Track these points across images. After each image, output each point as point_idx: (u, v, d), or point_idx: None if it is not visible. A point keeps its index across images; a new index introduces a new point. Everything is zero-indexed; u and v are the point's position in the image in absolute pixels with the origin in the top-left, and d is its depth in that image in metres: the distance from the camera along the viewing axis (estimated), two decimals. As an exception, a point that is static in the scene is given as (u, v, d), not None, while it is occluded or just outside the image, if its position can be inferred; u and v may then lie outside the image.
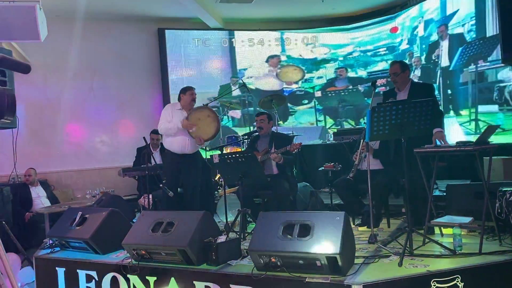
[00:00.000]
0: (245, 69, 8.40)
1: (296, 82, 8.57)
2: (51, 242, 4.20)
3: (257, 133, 5.04)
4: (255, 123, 5.02)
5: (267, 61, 8.48)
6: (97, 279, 3.56)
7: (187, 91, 4.81)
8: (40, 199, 6.20)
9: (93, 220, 3.88)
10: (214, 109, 4.96)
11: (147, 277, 3.32)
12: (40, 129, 7.29)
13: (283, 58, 8.54)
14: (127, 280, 3.40)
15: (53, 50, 7.18)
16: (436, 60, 6.97)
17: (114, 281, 3.47)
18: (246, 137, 5.04)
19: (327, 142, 7.39)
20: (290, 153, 4.63)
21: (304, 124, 8.50)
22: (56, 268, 3.78)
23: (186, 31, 8.08)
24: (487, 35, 5.94)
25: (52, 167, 7.23)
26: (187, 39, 8.10)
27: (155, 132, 5.98)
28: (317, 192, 5.39)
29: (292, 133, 6.53)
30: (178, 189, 4.83)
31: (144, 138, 4.72)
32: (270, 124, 4.89)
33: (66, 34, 7.30)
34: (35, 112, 7.24)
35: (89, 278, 3.60)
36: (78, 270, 3.66)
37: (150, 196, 4.91)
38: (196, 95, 4.85)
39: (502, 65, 5.68)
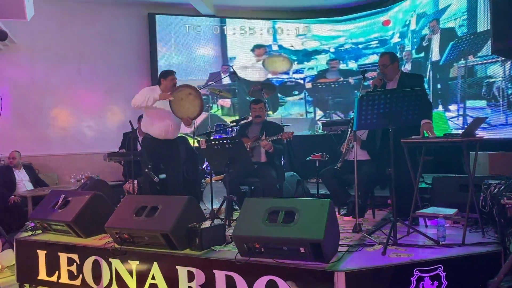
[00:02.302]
0: (235, 58, 8.33)
1: (285, 73, 8.50)
2: (33, 224, 4.14)
3: (245, 121, 5.01)
4: (250, 112, 4.94)
5: (252, 50, 8.40)
6: (78, 263, 3.51)
7: (168, 76, 4.58)
8: (23, 182, 6.13)
9: (76, 203, 3.82)
10: (203, 97, 4.83)
11: (129, 261, 3.29)
12: (25, 112, 7.17)
13: (274, 47, 8.46)
14: (109, 264, 3.36)
15: (41, 31, 7.05)
16: (427, 54, 6.97)
17: (96, 265, 3.43)
18: (235, 123, 4.99)
19: (316, 133, 7.38)
20: (280, 142, 4.62)
21: (294, 115, 8.47)
22: (37, 250, 3.72)
23: (177, 17, 7.98)
24: (478, 31, 5.96)
25: (37, 151, 7.13)
26: (178, 25, 8.00)
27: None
28: (303, 182, 5.38)
29: (282, 123, 6.51)
30: (159, 175, 4.76)
31: (130, 122, 4.65)
32: (265, 113, 4.94)
33: (54, 15, 7.17)
34: (20, 94, 7.11)
35: (70, 261, 3.55)
36: (59, 253, 3.61)
37: (136, 182, 4.85)
38: (177, 79, 4.64)
39: (492, 60, 5.71)
